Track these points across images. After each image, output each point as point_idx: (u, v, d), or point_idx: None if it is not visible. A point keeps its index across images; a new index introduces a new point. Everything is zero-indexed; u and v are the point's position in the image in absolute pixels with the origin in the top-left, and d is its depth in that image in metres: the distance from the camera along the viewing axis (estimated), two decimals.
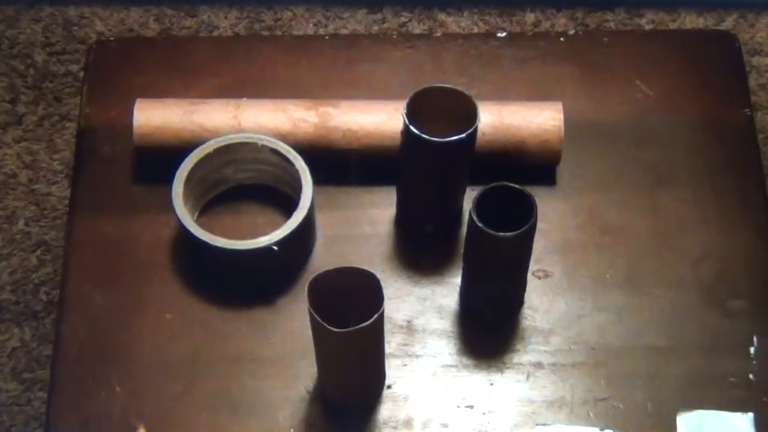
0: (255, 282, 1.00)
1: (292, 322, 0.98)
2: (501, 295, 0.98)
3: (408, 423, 0.95)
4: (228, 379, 0.97)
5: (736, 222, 1.04)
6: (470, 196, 0.89)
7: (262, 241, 0.95)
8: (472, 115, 0.91)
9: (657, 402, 0.96)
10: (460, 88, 0.92)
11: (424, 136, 0.90)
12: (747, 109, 1.10)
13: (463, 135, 0.90)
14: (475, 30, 1.75)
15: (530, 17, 1.77)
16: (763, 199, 1.05)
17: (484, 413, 0.96)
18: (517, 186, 0.89)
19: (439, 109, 0.92)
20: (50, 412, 0.96)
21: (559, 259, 1.02)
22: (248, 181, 1.04)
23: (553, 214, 1.04)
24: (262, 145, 1.00)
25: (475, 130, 0.91)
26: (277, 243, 0.95)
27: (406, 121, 0.90)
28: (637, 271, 1.02)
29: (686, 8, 1.79)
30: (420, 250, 1.03)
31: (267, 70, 1.12)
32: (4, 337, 1.49)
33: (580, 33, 1.45)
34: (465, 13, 1.77)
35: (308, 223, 0.99)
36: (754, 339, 0.98)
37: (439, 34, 1.59)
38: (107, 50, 1.15)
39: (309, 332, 0.88)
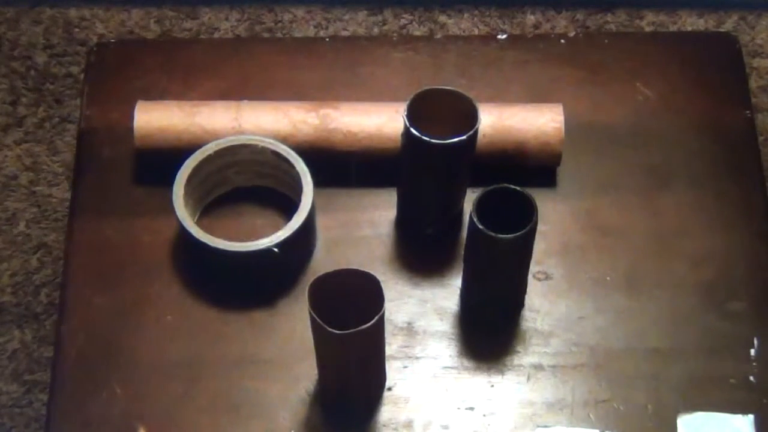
0: (255, 284, 1.00)
1: (293, 324, 0.98)
2: (501, 297, 0.98)
3: (408, 425, 0.95)
4: (228, 381, 0.97)
5: (737, 224, 1.04)
6: (471, 198, 0.89)
7: (263, 243, 0.95)
8: (472, 117, 0.91)
9: (657, 404, 0.96)
10: (460, 89, 0.92)
11: (424, 138, 0.90)
12: (747, 111, 1.10)
13: (464, 137, 0.90)
14: (476, 32, 1.75)
15: (530, 19, 1.77)
16: (764, 201, 1.05)
17: (484, 415, 0.96)
18: (517, 188, 0.89)
19: (440, 111, 0.92)
20: (51, 414, 0.96)
21: (560, 260, 1.02)
22: (249, 182, 1.04)
23: (554, 215, 1.04)
24: (263, 147, 1.00)
25: (476, 132, 0.91)
26: (277, 245, 0.95)
27: (407, 123, 0.90)
28: (637, 272, 1.02)
29: (686, 10, 1.79)
30: (420, 252, 1.03)
31: (267, 72, 1.12)
32: (5, 339, 1.49)
33: (581, 35, 1.45)
34: (465, 15, 1.77)
35: (309, 225, 0.99)
36: (755, 341, 0.98)
37: (439, 36, 1.59)
38: (108, 52, 1.15)
39: (309, 334, 0.88)
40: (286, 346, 0.98)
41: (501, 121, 1.02)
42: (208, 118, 1.02)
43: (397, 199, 1.02)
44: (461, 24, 1.77)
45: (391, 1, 1.78)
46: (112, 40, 1.68)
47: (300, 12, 1.75)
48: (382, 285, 0.83)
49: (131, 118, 1.03)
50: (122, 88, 1.10)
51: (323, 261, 1.02)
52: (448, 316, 1.00)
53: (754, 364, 0.97)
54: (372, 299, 0.83)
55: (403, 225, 1.03)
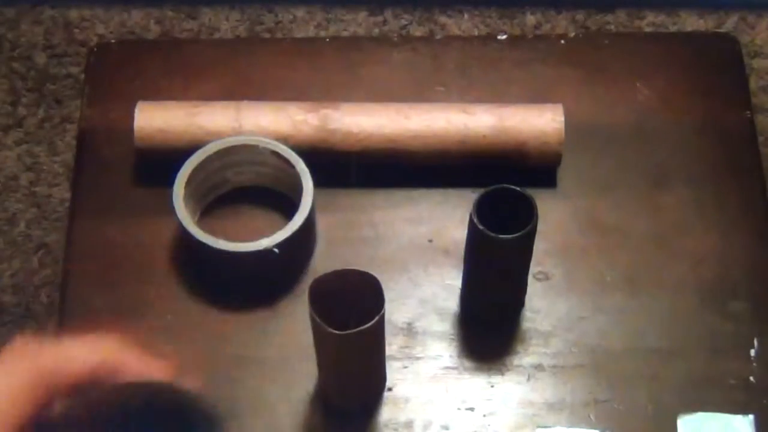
0: (256, 284, 1.00)
1: (293, 325, 0.98)
2: (501, 298, 0.98)
3: (408, 425, 0.95)
4: (228, 381, 0.97)
5: (737, 224, 1.04)
6: (470, 199, 0.89)
7: (263, 243, 0.95)
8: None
9: (658, 404, 0.96)
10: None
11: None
12: (747, 112, 1.10)
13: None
14: (476, 32, 1.76)
15: (531, 20, 1.77)
16: (764, 201, 1.05)
17: (484, 415, 0.96)
18: (517, 188, 0.89)
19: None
20: None
21: (560, 261, 1.02)
22: (249, 183, 1.04)
23: (554, 216, 1.04)
24: (263, 148, 1.00)
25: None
26: (277, 245, 0.95)
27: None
28: (637, 273, 1.02)
29: (687, 10, 1.79)
30: (421, 253, 1.03)
31: (268, 72, 1.12)
32: (5, 340, 1.49)
33: (581, 35, 1.45)
34: (466, 16, 1.77)
35: (309, 226, 0.99)
36: (755, 341, 0.98)
37: (439, 37, 1.59)
38: (108, 52, 1.15)
39: (309, 334, 0.88)
40: (287, 346, 0.98)
41: (501, 121, 1.02)
42: (208, 118, 1.02)
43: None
44: (461, 24, 1.77)
45: (391, 2, 1.78)
46: (113, 41, 1.68)
47: (300, 12, 1.75)
48: (383, 285, 0.83)
49: (131, 118, 1.03)
50: (122, 88, 1.10)
51: (323, 261, 1.02)
52: (449, 317, 1.00)
53: (754, 364, 0.97)
54: (372, 299, 0.83)
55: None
